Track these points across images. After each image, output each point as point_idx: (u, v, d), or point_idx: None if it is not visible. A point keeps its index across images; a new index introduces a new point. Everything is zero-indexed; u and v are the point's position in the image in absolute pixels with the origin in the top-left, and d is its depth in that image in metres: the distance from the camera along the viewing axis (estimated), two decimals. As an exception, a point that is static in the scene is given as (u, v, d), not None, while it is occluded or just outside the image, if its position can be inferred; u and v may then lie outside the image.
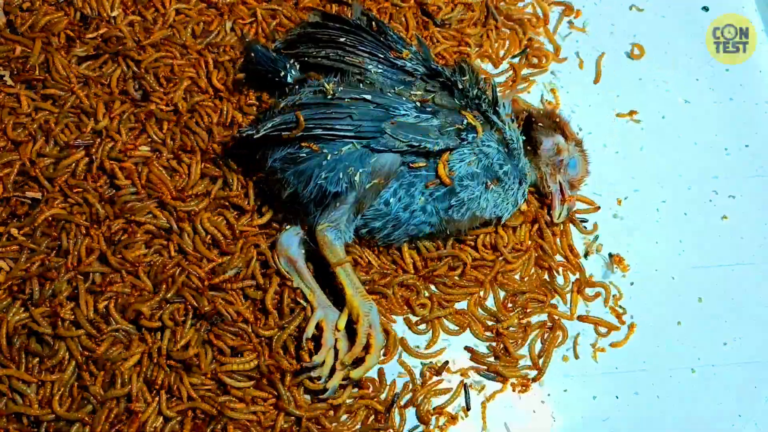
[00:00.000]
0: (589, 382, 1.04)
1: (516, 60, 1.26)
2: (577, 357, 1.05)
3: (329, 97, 1.00)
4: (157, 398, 0.94)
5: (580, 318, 1.08)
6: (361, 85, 1.02)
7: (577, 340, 1.06)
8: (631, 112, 1.24)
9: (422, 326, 1.05)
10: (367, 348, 0.97)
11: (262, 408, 0.96)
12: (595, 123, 1.23)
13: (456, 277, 1.07)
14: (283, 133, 0.98)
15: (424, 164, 0.99)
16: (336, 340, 0.98)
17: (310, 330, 0.98)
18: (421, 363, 1.03)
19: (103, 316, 0.97)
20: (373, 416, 0.99)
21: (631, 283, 1.11)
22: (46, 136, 1.05)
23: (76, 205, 1.02)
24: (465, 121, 1.01)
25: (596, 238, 1.13)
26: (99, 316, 0.96)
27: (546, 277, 1.10)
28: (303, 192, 0.99)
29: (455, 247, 1.08)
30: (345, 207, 0.99)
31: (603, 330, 1.07)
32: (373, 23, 1.10)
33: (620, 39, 1.31)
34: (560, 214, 1.11)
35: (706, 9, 1.35)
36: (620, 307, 1.09)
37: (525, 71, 1.26)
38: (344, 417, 0.98)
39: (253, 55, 1.10)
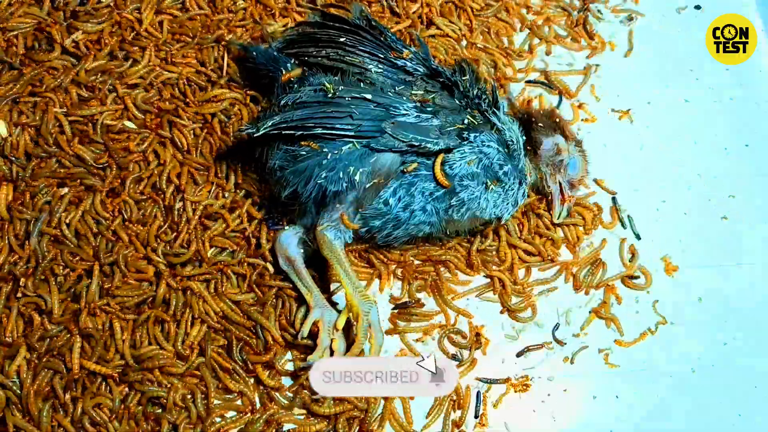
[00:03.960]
0: (589, 382, 1.04)
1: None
2: (572, 362, 1.06)
3: (329, 96, 1.00)
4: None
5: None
6: (361, 84, 1.02)
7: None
8: (631, 112, 1.24)
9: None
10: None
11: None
12: (595, 123, 1.23)
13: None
14: (283, 132, 0.98)
15: (416, 165, 0.99)
16: (332, 340, 0.98)
17: (306, 329, 0.98)
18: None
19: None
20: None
21: (632, 283, 1.12)
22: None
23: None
24: (465, 121, 1.01)
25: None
26: None
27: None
28: (303, 191, 0.99)
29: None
30: (345, 206, 0.99)
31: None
32: (372, 24, 1.10)
33: (620, 38, 1.31)
34: (560, 214, 1.11)
35: (698, 8, 1.35)
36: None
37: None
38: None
39: (253, 54, 1.11)
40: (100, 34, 1.14)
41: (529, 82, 1.24)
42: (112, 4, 1.16)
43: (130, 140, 1.08)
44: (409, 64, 1.05)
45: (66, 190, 1.04)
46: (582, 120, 1.22)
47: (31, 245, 0.99)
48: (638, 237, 1.14)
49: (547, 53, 1.28)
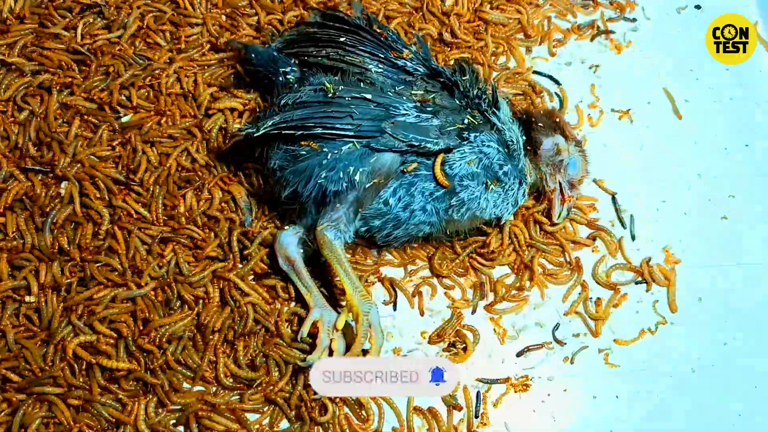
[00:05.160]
0: (589, 382, 1.04)
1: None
2: (572, 362, 1.06)
3: (329, 95, 1.00)
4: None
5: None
6: (361, 84, 1.02)
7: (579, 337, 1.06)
8: (631, 112, 1.24)
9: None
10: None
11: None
12: (598, 126, 1.23)
13: None
14: (283, 131, 0.98)
15: (416, 165, 0.99)
16: (331, 340, 0.98)
17: (306, 330, 0.98)
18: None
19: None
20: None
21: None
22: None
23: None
24: (465, 121, 1.01)
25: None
26: None
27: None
28: (302, 191, 0.99)
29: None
30: (345, 206, 0.99)
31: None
32: (373, 24, 1.10)
33: (620, 39, 1.31)
34: (560, 215, 1.11)
35: (698, 8, 1.35)
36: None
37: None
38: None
39: (253, 55, 1.11)
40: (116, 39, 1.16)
41: (536, 72, 1.25)
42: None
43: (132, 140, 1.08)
44: (409, 64, 1.05)
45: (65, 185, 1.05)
46: (590, 126, 1.23)
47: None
48: (633, 238, 1.14)
49: (552, 55, 1.28)
